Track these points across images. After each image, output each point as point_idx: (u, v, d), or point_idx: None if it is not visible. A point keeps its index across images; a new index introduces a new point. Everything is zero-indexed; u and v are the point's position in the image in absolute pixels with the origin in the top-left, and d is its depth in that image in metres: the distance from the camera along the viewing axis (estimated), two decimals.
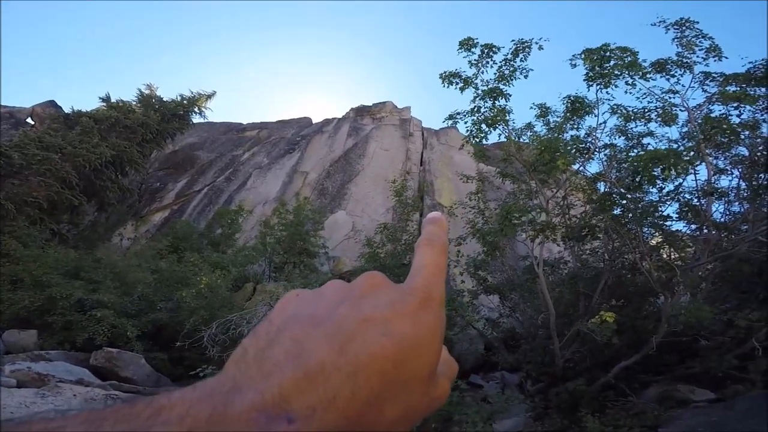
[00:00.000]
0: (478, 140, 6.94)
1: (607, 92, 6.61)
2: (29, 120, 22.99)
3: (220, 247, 17.23)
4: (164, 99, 20.82)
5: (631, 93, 7.02)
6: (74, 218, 16.20)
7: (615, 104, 6.86)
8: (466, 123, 6.97)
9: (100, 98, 19.72)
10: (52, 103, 23.35)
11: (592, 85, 6.52)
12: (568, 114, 7.13)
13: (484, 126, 6.68)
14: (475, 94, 6.77)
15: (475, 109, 6.77)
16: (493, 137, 9.66)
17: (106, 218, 19.01)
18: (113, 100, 19.56)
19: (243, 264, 14.20)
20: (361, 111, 26.42)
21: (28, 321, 8.64)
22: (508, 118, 6.84)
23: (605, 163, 7.55)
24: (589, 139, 7.41)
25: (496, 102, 6.69)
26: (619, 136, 7.51)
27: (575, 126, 7.62)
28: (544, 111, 7.95)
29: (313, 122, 28.07)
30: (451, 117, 7.07)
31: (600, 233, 7.47)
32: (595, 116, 7.11)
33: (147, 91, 20.61)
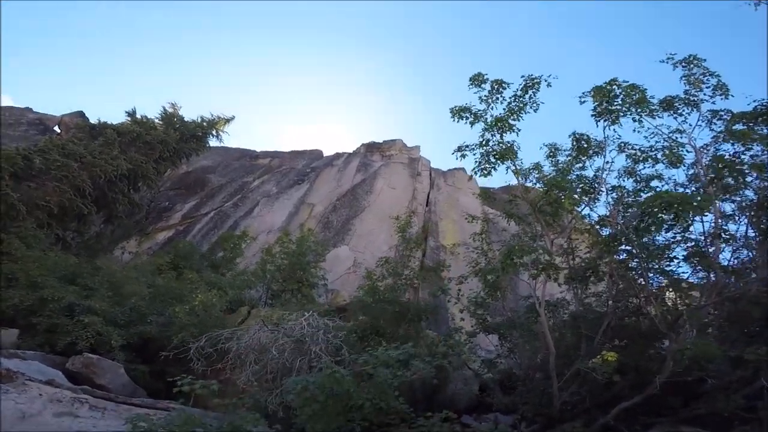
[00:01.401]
0: (486, 173, 6.90)
1: (614, 130, 6.67)
2: (56, 128, 23.94)
3: (219, 269, 17.14)
4: (185, 119, 21.61)
5: (639, 132, 7.05)
6: (81, 227, 16.34)
7: (622, 142, 6.90)
8: (474, 154, 7.01)
9: (126, 112, 20.58)
10: (80, 114, 24.41)
11: (599, 121, 6.60)
12: (574, 153, 7.18)
13: (492, 158, 6.70)
14: (484, 128, 6.86)
15: (484, 142, 6.84)
16: (501, 173, 9.56)
17: (111, 231, 19.15)
18: (138, 115, 20.36)
19: (240, 287, 14.03)
20: (371, 147, 27.02)
21: (13, 320, 8.45)
22: (516, 155, 6.86)
23: (612, 206, 7.51)
24: (596, 181, 7.40)
25: (504, 136, 6.78)
26: (628, 178, 7.48)
27: (583, 166, 7.63)
28: (553, 151, 8.00)
29: (324, 155, 28.73)
30: (459, 149, 7.09)
31: (604, 277, 7.30)
32: (603, 156, 7.14)
33: (170, 110, 21.44)
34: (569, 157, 7.34)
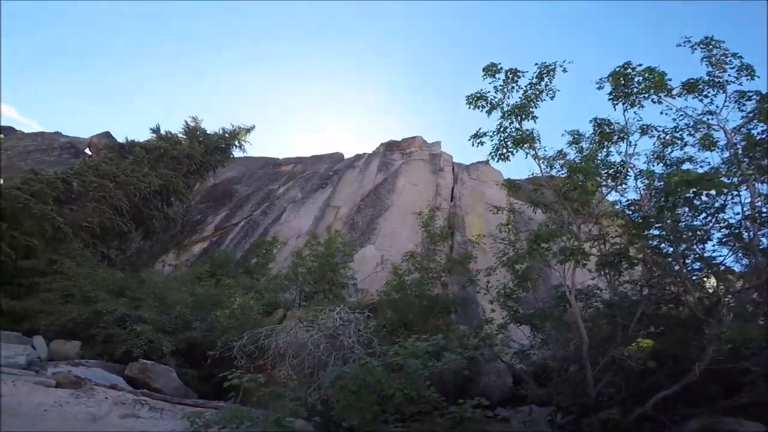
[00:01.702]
0: (503, 158, 6.96)
1: (634, 113, 6.58)
2: (87, 150, 25.32)
3: (254, 275, 17.78)
4: (208, 132, 22.39)
5: (667, 114, 6.91)
6: (122, 244, 17.29)
7: (644, 125, 6.79)
8: (492, 140, 7.06)
9: (150, 129, 21.50)
10: (107, 134, 25.75)
11: (617, 104, 6.53)
12: (597, 138, 7.11)
13: (509, 144, 6.75)
14: (500, 116, 6.91)
15: (501, 129, 6.89)
16: (525, 163, 9.52)
17: (150, 246, 20.14)
18: (162, 131, 21.22)
19: (275, 290, 14.52)
20: (390, 146, 27.09)
21: (73, 333, 9.13)
22: (535, 140, 6.88)
23: (642, 191, 7.38)
24: (623, 166, 7.29)
25: (523, 123, 6.79)
26: (657, 162, 7.34)
27: (607, 152, 7.54)
28: (576, 138, 7.93)
29: (345, 157, 29.09)
30: (476, 136, 7.14)
31: (638, 263, 7.19)
32: (628, 141, 7.04)
33: (192, 124, 22.26)
34: (592, 144, 7.27)
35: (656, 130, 6.86)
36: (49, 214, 13.42)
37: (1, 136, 21.91)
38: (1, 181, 13.58)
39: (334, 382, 5.15)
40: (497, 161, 7.10)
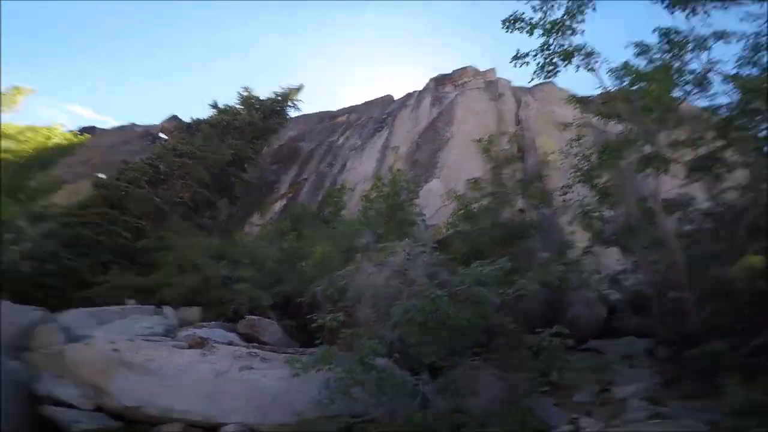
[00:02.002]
0: (550, 74, 6.77)
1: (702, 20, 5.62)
2: (161, 134, 27.61)
3: (330, 224, 18.78)
4: (261, 98, 22.93)
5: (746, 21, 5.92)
6: (213, 213, 19.20)
7: (717, 30, 5.82)
8: (536, 59, 6.74)
9: (209, 105, 22.53)
10: (174, 117, 27.73)
11: (674, 11, 5.60)
12: (666, 47, 6.24)
13: (556, 59, 6.26)
14: (541, 33, 6.54)
15: (544, 47, 6.48)
16: (571, 72, 8.70)
17: (237, 211, 22.07)
18: (220, 105, 22.19)
19: (351, 236, 15.25)
20: (440, 80, 25.79)
21: (192, 300, 10.54)
22: (591, 54, 6.25)
23: (734, 94, 6.37)
24: (706, 72, 6.37)
25: (567, 38, 6.22)
26: (752, 67, 6.32)
27: (682, 62, 6.67)
28: (644, 49, 7.05)
29: (395, 99, 28.27)
30: (516, 57, 6.78)
31: (738, 168, 6.35)
32: (703, 47, 6.11)
33: (245, 94, 22.91)
34: (664, 54, 6.46)
35: (734, 35, 5.85)
36: (147, 197, 15.23)
37: (87, 135, 24.55)
38: (105, 176, 15.47)
39: (402, 316, 5.33)
40: (543, 78, 6.91)
